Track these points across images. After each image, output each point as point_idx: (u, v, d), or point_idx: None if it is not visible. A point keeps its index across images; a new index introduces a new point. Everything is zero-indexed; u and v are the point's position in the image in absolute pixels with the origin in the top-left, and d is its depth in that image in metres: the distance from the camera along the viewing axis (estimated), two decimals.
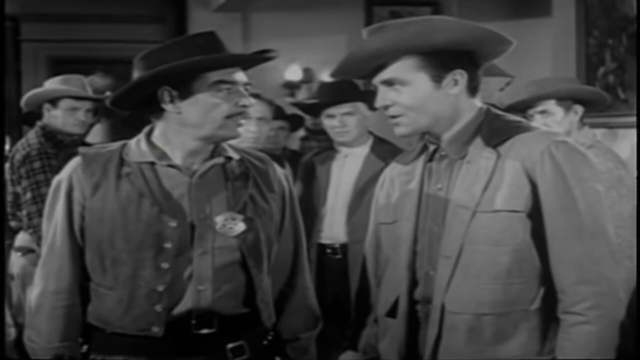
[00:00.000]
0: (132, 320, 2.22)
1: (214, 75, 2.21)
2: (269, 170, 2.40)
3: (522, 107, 3.70)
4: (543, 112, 3.59)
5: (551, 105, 3.59)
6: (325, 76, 6.78)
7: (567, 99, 3.59)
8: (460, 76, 2.11)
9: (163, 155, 2.28)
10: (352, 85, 3.96)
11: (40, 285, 2.32)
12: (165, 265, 2.21)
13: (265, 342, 2.37)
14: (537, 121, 3.60)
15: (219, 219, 2.25)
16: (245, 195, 2.30)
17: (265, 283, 2.32)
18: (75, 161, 2.33)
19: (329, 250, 3.89)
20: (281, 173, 2.44)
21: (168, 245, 2.21)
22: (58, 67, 7.52)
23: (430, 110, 2.11)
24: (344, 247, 3.85)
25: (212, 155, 2.31)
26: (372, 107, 3.93)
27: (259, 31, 7.57)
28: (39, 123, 4.34)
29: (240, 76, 2.26)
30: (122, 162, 2.28)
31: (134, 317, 2.22)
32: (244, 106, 2.25)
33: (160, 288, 2.21)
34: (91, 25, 8.11)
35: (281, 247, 2.41)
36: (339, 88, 3.95)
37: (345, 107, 3.85)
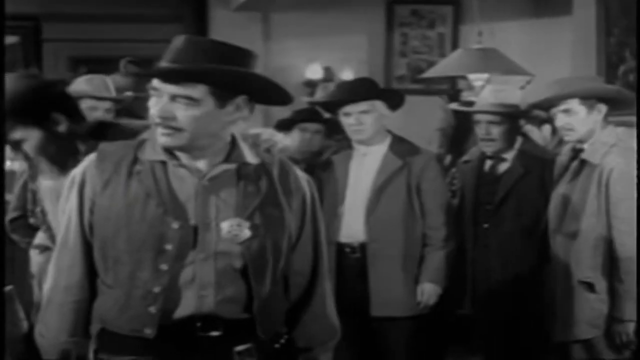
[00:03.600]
0: (127, 321, 2.19)
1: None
2: (289, 175, 2.31)
3: (546, 106, 3.68)
4: (566, 110, 3.56)
5: (574, 104, 3.56)
6: (346, 75, 6.76)
7: (590, 98, 3.57)
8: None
9: (174, 155, 2.23)
10: (370, 84, 3.95)
11: (51, 280, 2.31)
12: (164, 267, 2.17)
13: (277, 346, 2.31)
14: (561, 120, 3.58)
15: (224, 225, 2.18)
16: (256, 201, 2.22)
17: (266, 293, 2.24)
18: (91, 156, 2.29)
19: (347, 249, 3.87)
20: (303, 178, 2.34)
21: (169, 247, 2.17)
22: (79, 66, 7.55)
23: None
24: (362, 246, 3.84)
25: (227, 159, 2.25)
26: (390, 106, 3.93)
27: (280, 30, 7.55)
28: None
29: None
30: (135, 159, 2.23)
31: (128, 317, 2.19)
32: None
33: (157, 290, 2.16)
34: (111, 25, 8.14)
35: (299, 254, 2.33)
36: (357, 86, 3.94)
37: (362, 106, 3.83)
